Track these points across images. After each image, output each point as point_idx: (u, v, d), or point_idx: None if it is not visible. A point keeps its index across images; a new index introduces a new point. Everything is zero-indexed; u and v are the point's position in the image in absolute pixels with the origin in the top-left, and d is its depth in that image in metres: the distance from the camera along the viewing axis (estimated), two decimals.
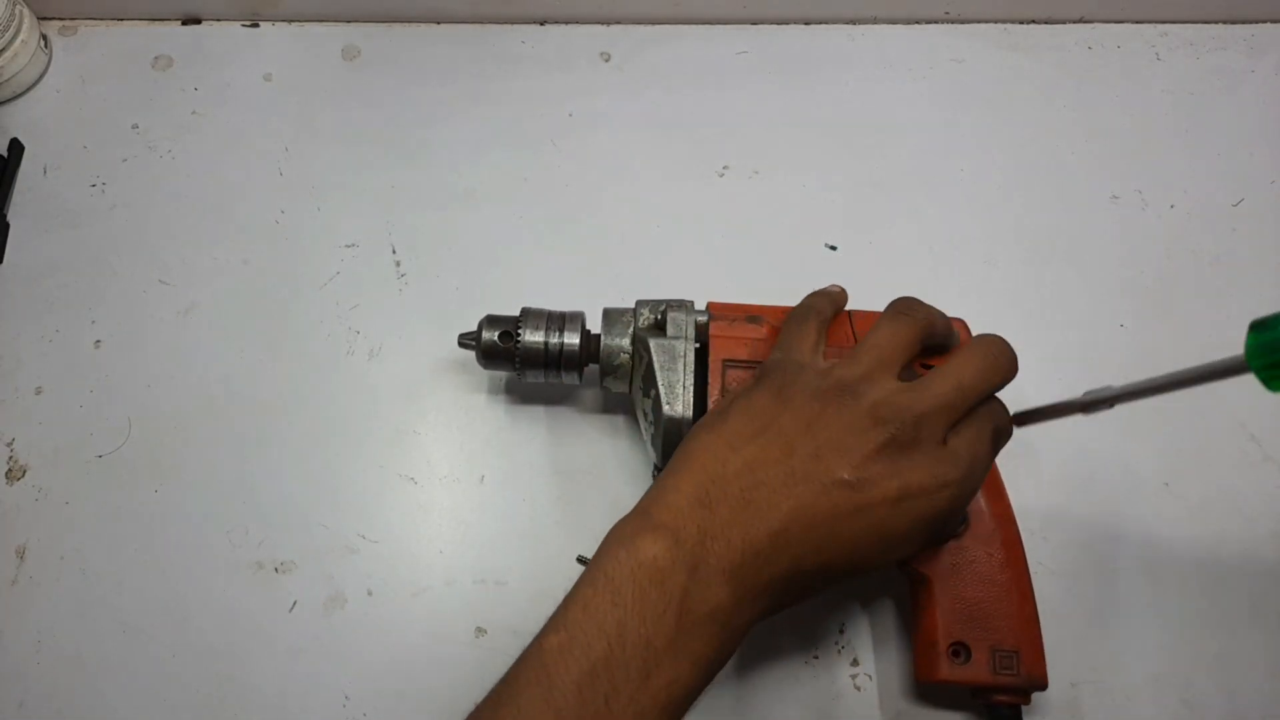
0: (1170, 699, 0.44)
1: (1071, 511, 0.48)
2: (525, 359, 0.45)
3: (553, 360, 0.45)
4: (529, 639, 0.47)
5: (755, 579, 0.33)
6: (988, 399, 0.37)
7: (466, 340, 0.46)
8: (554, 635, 0.32)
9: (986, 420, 0.37)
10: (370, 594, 0.46)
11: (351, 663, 0.45)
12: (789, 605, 0.35)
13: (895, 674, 0.44)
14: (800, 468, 0.34)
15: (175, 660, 0.45)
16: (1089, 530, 0.47)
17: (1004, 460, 0.44)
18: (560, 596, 0.47)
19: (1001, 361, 0.37)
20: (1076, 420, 0.50)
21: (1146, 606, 0.46)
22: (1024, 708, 0.40)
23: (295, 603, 0.46)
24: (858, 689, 0.44)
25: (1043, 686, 0.40)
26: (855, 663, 0.45)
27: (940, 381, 0.36)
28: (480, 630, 0.45)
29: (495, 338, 0.45)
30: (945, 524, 0.36)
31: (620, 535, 0.34)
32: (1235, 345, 0.54)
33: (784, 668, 0.44)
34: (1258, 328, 0.29)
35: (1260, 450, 0.49)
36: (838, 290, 0.44)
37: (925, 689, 0.44)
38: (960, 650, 0.40)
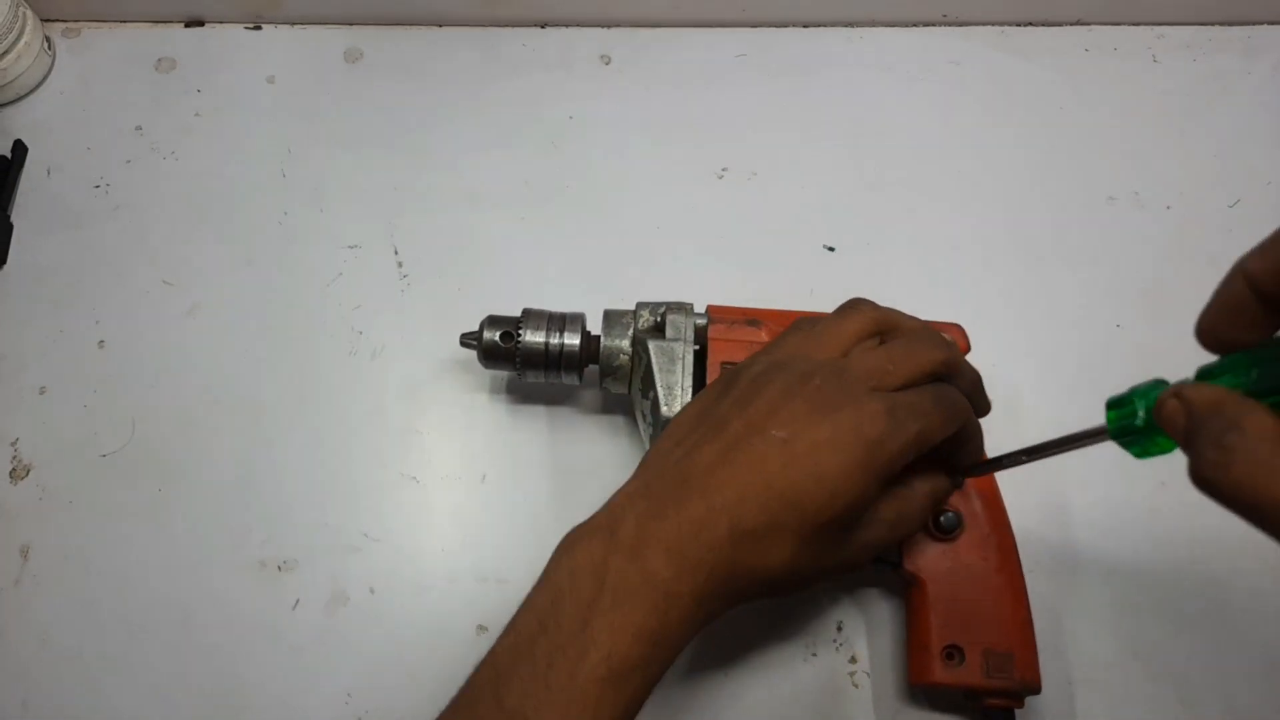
0: (1169, 699, 0.44)
1: (1069, 511, 0.48)
2: (526, 359, 0.45)
3: (553, 361, 0.45)
4: None
5: (694, 546, 0.32)
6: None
7: (468, 340, 0.47)
8: (501, 638, 0.33)
9: (926, 391, 0.36)
10: (373, 592, 0.46)
11: (354, 661, 0.45)
12: (757, 581, 0.34)
13: (893, 671, 0.45)
14: (734, 437, 0.34)
15: (178, 659, 0.45)
16: (1087, 530, 0.47)
17: None
18: None
19: (938, 341, 0.37)
20: (1072, 419, 0.50)
21: (1145, 606, 0.46)
22: (1017, 711, 0.41)
23: (298, 601, 0.46)
24: (855, 686, 0.44)
25: (1036, 690, 0.40)
26: (853, 660, 0.45)
27: (871, 353, 0.36)
28: (482, 628, 0.45)
29: (496, 338, 0.46)
30: (887, 467, 0.34)
31: (563, 544, 0.35)
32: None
33: (782, 665, 0.45)
34: (1113, 405, 0.31)
35: None
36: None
37: (921, 689, 0.44)
38: (954, 653, 0.40)
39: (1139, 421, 0.29)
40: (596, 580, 0.32)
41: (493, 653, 0.33)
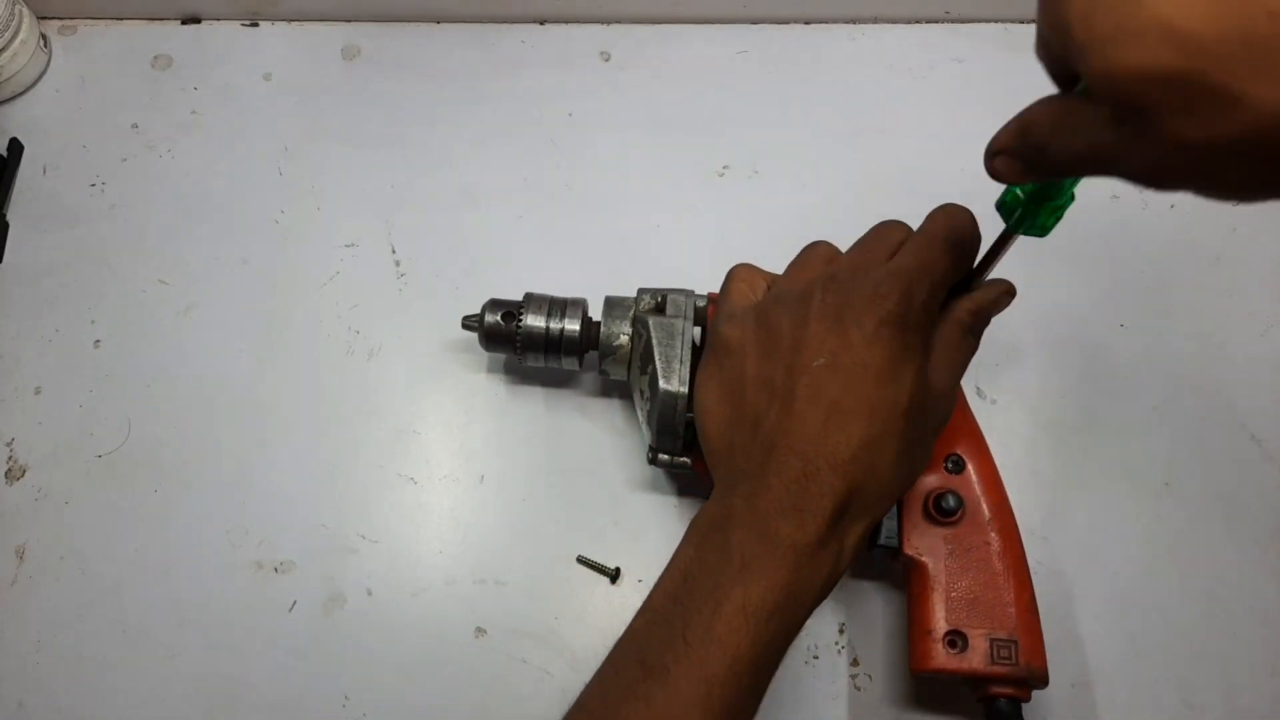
0: (1170, 699, 0.44)
1: (1071, 511, 0.48)
2: (526, 342, 0.46)
3: (553, 344, 0.46)
4: (529, 639, 0.47)
5: (807, 498, 0.34)
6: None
7: (470, 322, 0.47)
8: (635, 619, 0.35)
9: (910, 244, 0.38)
10: (370, 594, 0.46)
11: (351, 663, 0.45)
12: (880, 494, 0.35)
13: (895, 674, 0.44)
14: (783, 388, 0.36)
15: (175, 660, 0.45)
16: (1089, 530, 0.47)
17: (1004, 460, 0.44)
18: (561, 596, 0.47)
19: (893, 223, 0.40)
20: (1076, 418, 0.50)
21: (1147, 607, 0.46)
22: (1024, 705, 0.40)
23: (295, 603, 0.46)
24: (858, 689, 0.44)
25: (1043, 679, 0.39)
26: (855, 662, 0.45)
27: (846, 254, 0.39)
28: (480, 630, 0.45)
29: (498, 319, 0.46)
30: (920, 324, 0.35)
31: (683, 540, 0.36)
32: (1235, 344, 0.54)
33: (784, 668, 0.44)
34: (1000, 206, 0.35)
35: (1260, 450, 0.49)
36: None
37: (926, 687, 0.44)
38: (956, 639, 0.40)
39: (1022, 193, 0.34)
40: (724, 555, 0.34)
41: (630, 629, 0.35)
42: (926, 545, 0.41)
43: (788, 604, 0.33)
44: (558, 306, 0.46)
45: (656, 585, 0.35)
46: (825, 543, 0.34)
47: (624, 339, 0.45)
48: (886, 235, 0.39)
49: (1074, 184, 0.33)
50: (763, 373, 0.37)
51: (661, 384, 0.42)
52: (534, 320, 0.46)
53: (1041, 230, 0.34)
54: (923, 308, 0.35)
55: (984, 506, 0.42)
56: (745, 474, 0.35)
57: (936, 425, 0.38)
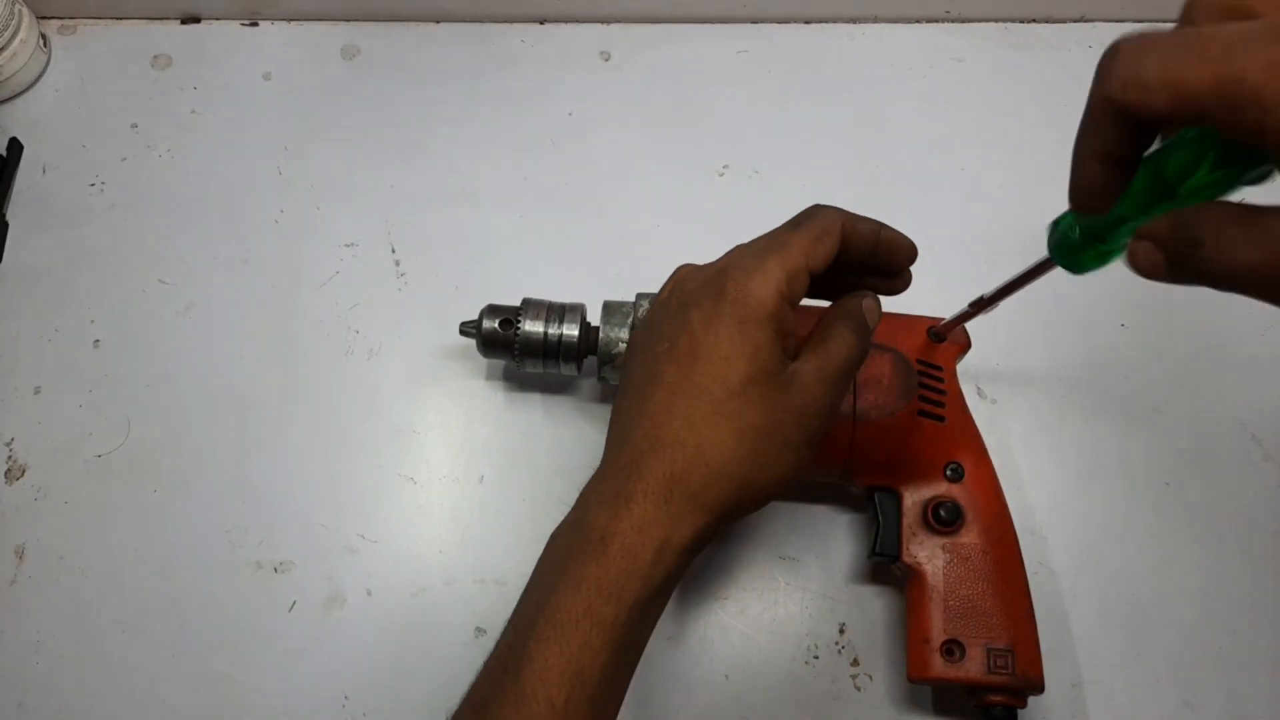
0: (1170, 699, 0.44)
1: (1071, 511, 0.48)
2: (524, 348, 0.45)
3: (551, 350, 0.45)
4: None
5: (626, 481, 0.33)
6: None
7: (467, 328, 0.47)
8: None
9: (777, 231, 0.37)
10: (370, 594, 0.46)
11: (351, 663, 0.45)
12: (701, 485, 0.33)
13: (896, 674, 0.44)
14: (630, 377, 0.36)
15: (174, 660, 0.45)
16: (1089, 530, 0.47)
17: (1003, 460, 0.44)
18: None
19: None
20: (1076, 419, 0.50)
21: (1146, 607, 0.46)
22: (1022, 713, 0.40)
23: (295, 603, 0.46)
24: (858, 689, 0.44)
25: (1038, 688, 0.39)
26: (855, 663, 0.45)
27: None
28: (480, 630, 0.45)
29: (495, 326, 0.46)
30: (765, 309, 0.33)
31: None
32: (1235, 344, 0.54)
33: (784, 668, 0.44)
34: (1052, 227, 0.34)
35: (1261, 450, 0.49)
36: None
37: (924, 689, 0.44)
38: (954, 648, 0.40)
39: (1075, 235, 0.32)
40: (549, 554, 0.34)
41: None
42: (925, 554, 0.41)
43: (604, 604, 0.31)
44: (556, 312, 0.46)
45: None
46: (645, 530, 0.31)
47: (623, 346, 0.45)
48: (769, 233, 0.37)
49: (1129, 233, 0.30)
50: (627, 371, 0.37)
51: None
52: (532, 326, 0.45)
53: (1078, 269, 0.33)
54: (765, 284, 0.33)
55: (983, 515, 0.42)
56: (595, 474, 0.35)
57: (804, 418, 0.34)
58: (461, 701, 0.33)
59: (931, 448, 0.43)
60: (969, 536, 0.41)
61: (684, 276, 0.37)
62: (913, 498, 0.42)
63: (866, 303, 0.37)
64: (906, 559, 0.41)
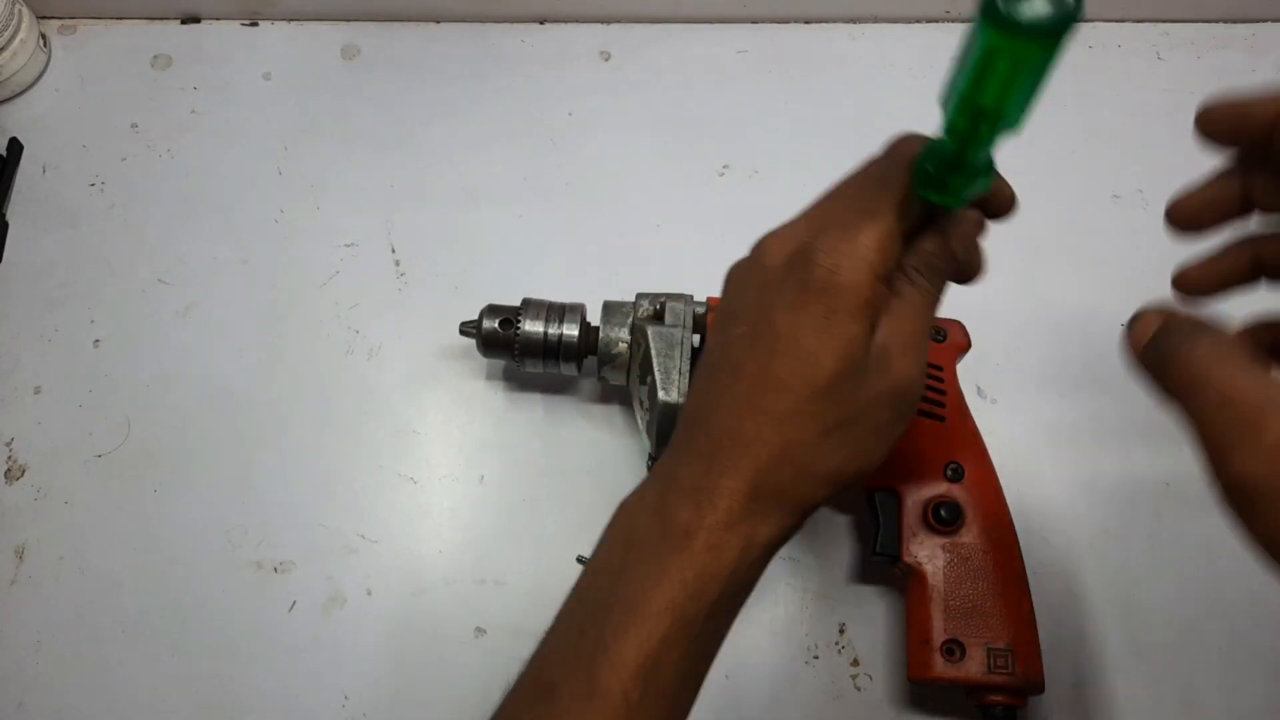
0: (1170, 699, 0.44)
1: (1071, 512, 0.48)
2: (524, 348, 0.45)
3: (551, 350, 0.45)
4: (529, 639, 0.47)
5: (708, 476, 0.31)
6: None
7: (467, 328, 0.47)
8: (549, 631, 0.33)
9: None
10: (370, 594, 0.46)
11: (351, 663, 0.45)
12: (789, 484, 0.31)
13: (896, 674, 0.44)
14: (710, 366, 0.33)
15: (175, 660, 0.45)
16: (1089, 530, 0.47)
17: (1003, 460, 0.44)
18: (560, 596, 0.47)
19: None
20: (1076, 419, 0.50)
21: (1147, 607, 0.46)
22: (1019, 710, 0.40)
23: (295, 603, 0.46)
24: (858, 689, 0.44)
25: (1039, 688, 0.39)
26: (855, 663, 0.45)
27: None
28: (480, 630, 0.45)
29: (495, 325, 0.46)
30: (850, 295, 0.31)
31: (608, 524, 0.34)
32: None
33: (784, 668, 0.44)
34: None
35: None
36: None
37: (924, 690, 0.44)
38: (954, 648, 0.40)
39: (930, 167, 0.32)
40: (625, 545, 0.32)
41: (542, 640, 0.33)
42: (926, 554, 0.41)
43: (687, 600, 0.30)
44: (556, 312, 0.46)
45: (575, 583, 0.33)
46: (731, 528, 0.30)
47: (623, 346, 0.45)
48: (854, 182, 0.34)
49: (989, 170, 0.32)
50: (707, 348, 0.34)
51: (660, 395, 0.42)
52: (532, 326, 0.45)
53: (955, 201, 0.32)
54: (858, 266, 0.30)
55: (983, 515, 0.42)
56: (670, 452, 0.33)
57: (895, 399, 0.32)
58: (523, 675, 0.32)
59: (931, 448, 0.43)
60: (969, 536, 0.41)
61: (766, 248, 0.33)
62: (913, 498, 0.42)
63: (958, 235, 0.34)
64: (907, 559, 0.41)
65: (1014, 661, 0.39)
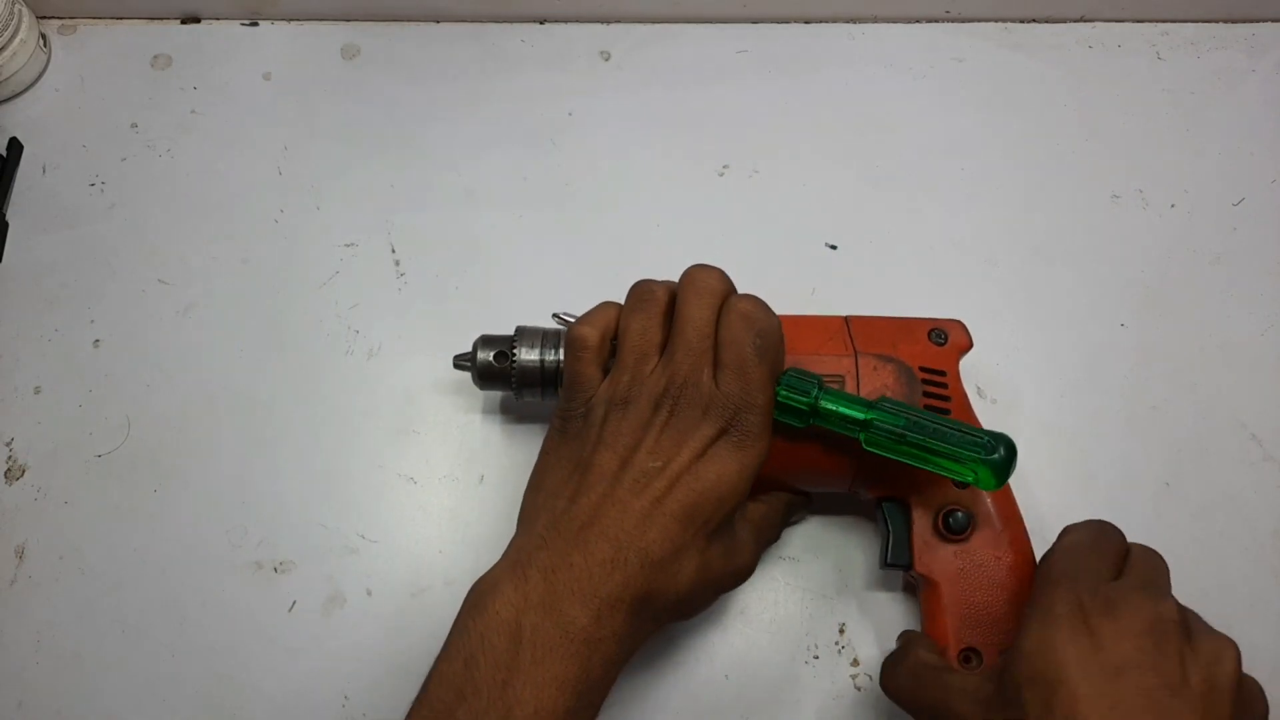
0: None
1: (1072, 512, 0.47)
2: (522, 379, 0.44)
3: (549, 378, 0.44)
4: None
5: (608, 587, 0.33)
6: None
7: (461, 362, 0.45)
8: (411, 715, 0.33)
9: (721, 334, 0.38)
10: (370, 594, 0.46)
11: (351, 663, 0.45)
12: (670, 605, 0.36)
13: None
14: (612, 474, 0.36)
15: (174, 660, 0.45)
16: None
17: None
18: None
19: (709, 283, 0.39)
20: (1076, 419, 0.50)
21: None
22: None
23: (294, 603, 0.46)
24: (858, 689, 0.44)
25: None
26: (855, 663, 0.45)
27: (676, 343, 0.37)
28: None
29: (491, 358, 0.44)
30: (755, 461, 0.37)
31: (467, 605, 0.35)
32: (1235, 344, 0.54)
33: (784, 668, 0.44)
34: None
35: (1260, 450, 0.49)
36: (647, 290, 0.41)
37: None
38: (970, 655, 0.39)
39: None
40: (512, 640, 0.32)
41: None
42: (938, 563, 0.41)
43: (578, 703, 0.32)
44: (551, 339, 0.44)
45: (436, 667, 0.34)
46: (618, 640, 0.33)
47: None
48: (701, 327, 0.37)
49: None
50: (596, 456, 0.36)
51: None
52: (528, 355, 0.44)
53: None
54: (750, 429, 0.36)
55: (995, 520, 0.41)
56: (548, 544, 0.34)
57: (736, 566, 0.39)
58: None
59: None
60: (982, 542, 0.41)
61: (668, 389, 0.37)
62: (922, 507, 0.42)
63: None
64: (920, 569, 0.41)
65: None
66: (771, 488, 0.43)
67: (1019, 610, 0.39)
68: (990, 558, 0.41)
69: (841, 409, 0.38)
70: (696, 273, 0.39)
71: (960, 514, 0.41)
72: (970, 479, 0.38)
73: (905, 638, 0.41)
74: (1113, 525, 0.39)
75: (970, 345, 0.45)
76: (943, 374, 0.43)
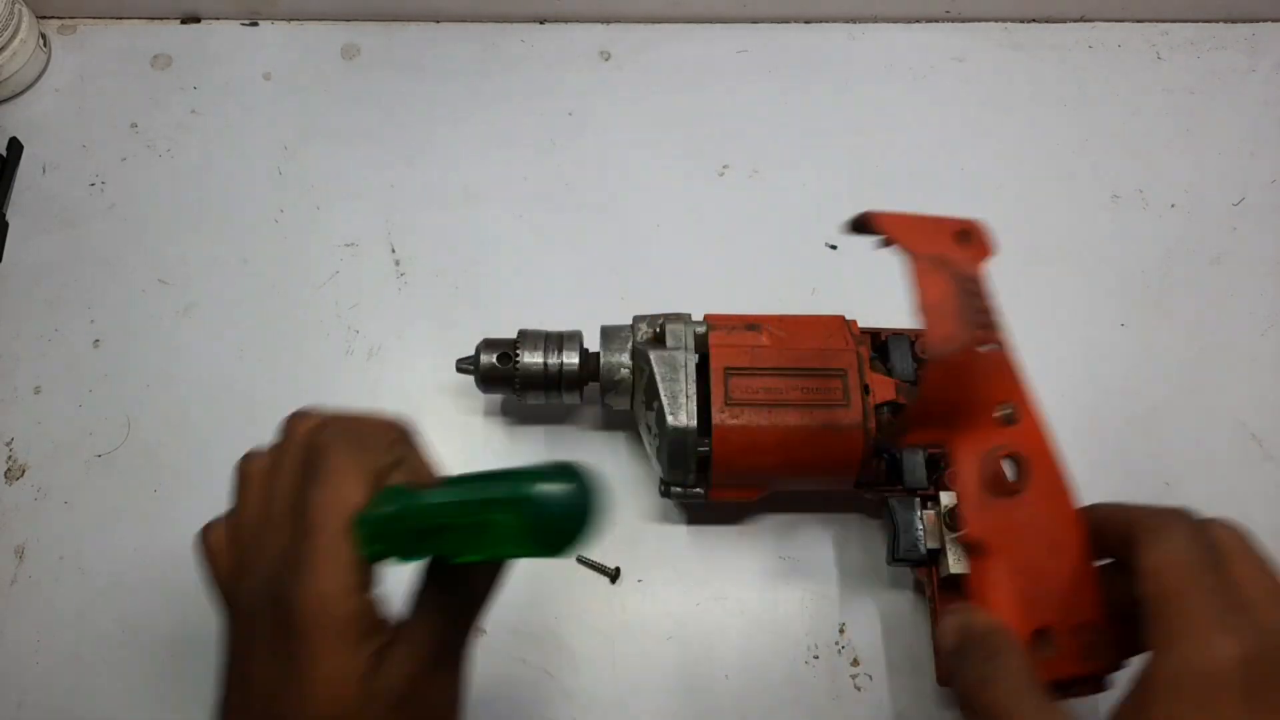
0: None
1: None
2: (525, 381, 0.45)
3: (552, 380, 0.45)
4: (529, 639, 0.47)
5: None
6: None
7: (464, 365, 0.46)
8: None
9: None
10: None
11: None
12: None
13: (895, 674, 0.44)
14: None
15: (174, 660, 0.45)
16: None
17: None
18: (561, 596, 0.47)
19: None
20: (1076, 419, 0.50)
21: None
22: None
23: None
24: (858, 689, 0.44)
25: (1118, 664, 0.33)
26: (855, 663, 0.45)
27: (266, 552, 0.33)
28: (480, 630, 0.45)
29: (494, 361, 0.45)
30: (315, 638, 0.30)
31: None
32: (1235, 344, 0.54)
33: (784, 668, 0.44)
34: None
35: (1261, 450, 0.49)
36: None
37: (926, 686, 0.44)
38: (1038, 639, 0.32)
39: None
40: None
41: None
42: (991, 526, 0.32)
43: None
44: (554, 341, 0.45)
45: None
46: None
47: (625, 372, 0.44)
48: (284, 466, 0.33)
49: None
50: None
51: (670, 420, 0.42)
52: (531, 358, 0.44)
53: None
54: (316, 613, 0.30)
55: (1044, 470, 0.34)
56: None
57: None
58: None
59: (986, 385, 0.34)
60: (1034, 499, 0.33)
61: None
62: (968, 453, 0.34)
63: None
64: (973, 533, 0.33)
65: (1103, 639, 0.32)
66: (775, 489, 0.43)
67: (1083, 573, 0.33)
68: (1044, 512, 0.33)
69: None
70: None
71: (1015, 459, 0.33)
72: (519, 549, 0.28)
73: (963, 625, 0.31)
74: (1195, 520, 0.31)
75: (990, 252, 0.38)
76: (977, 282, 0.35)
